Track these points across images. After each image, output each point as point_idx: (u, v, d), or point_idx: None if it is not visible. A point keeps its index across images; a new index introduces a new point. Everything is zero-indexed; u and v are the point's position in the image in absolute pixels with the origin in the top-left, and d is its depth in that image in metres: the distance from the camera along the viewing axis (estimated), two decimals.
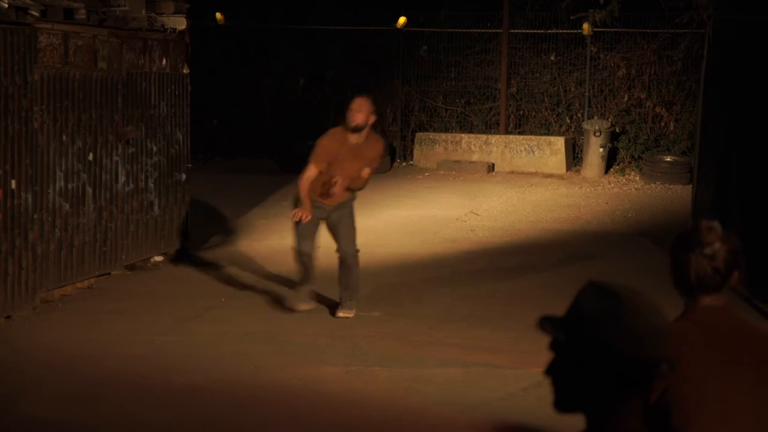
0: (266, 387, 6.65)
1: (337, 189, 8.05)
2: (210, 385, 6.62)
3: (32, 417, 5.99)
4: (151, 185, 10.05)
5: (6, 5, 7.91)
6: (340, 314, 8.29)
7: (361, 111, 8.02)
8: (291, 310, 8.37)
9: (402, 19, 18.35)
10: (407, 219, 12.79)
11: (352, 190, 8.25)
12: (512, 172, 16.70)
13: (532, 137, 17.35)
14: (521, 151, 17.07)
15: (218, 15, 18.84)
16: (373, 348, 7.45)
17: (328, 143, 8.14)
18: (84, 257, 8.98)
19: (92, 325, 7.96)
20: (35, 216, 8.25)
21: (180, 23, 10.52)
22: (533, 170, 16.78)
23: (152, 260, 10.12)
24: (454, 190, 15.04)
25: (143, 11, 10.01)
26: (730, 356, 2.94)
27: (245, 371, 6.93)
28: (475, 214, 12.86)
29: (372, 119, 8.09)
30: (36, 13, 8.25)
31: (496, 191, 14.93)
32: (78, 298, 8.80)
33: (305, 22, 18.58)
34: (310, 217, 8.11)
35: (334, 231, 8.39)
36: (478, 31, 18.30)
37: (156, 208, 10.12)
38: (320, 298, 8.83)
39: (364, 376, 6.84)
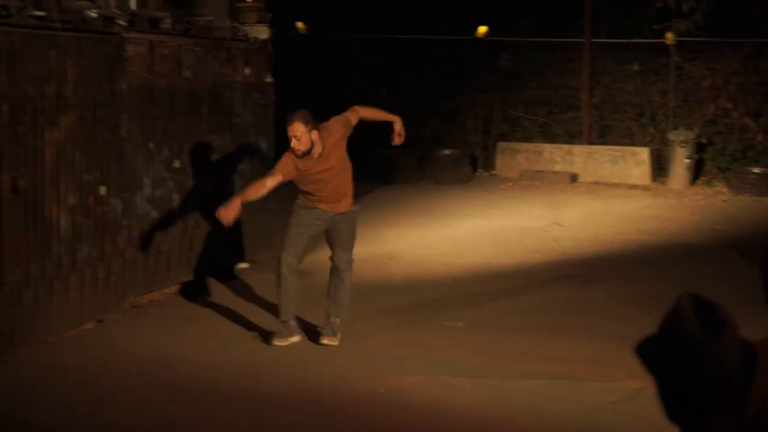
0: (349, 396, 6.63)
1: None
2: (294, 393, 6.62)
3: (117, 422, 6.04)
4: (236, 193, 10.09)
5: (95, 15, 8.02)
6: (324, 341, 7.60)
7: (299, 137, 7.35)
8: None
9: (482, 29, 18.27)
10: (489, 229, 12.70)
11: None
12: (596, 183, 16.50)
13: (616, 147, 17.12)
14: (605, 161, 16.85)
15: (300, 24, 18.95)
16: (456, 358, 7.38)
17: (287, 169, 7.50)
18: (171, 263, 9.07)
19: (178, 330, 8.04)
20: (124, 222, 8.36)
21: (263, 32, 10.60)
22: (617, 181, 16.55)
23: (237, 267, 10.17)
24: (537, 200, 14.90)
25: (227, 21, 10.11)
26: None
27: (329, 379, 6.92)
28: (559, 224, 12.71)
29: (314, 134, 7.39)
30: (123, 23, 8.36)
31: (580, 202, 14.76)
32: (165, 303, 8.90)
33: (386, 32, 18.59)
34: (227, 219, 7.37)
35: (330, 237, 7.76)
36: (560, 40, 18.12)
37: (242, 215, 10.15)
38: (397, 310, 8.81)
39: (448, 387, 6.78)
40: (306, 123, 7.37)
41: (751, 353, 2.66)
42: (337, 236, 7.71)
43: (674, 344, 2.62)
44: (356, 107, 7.84)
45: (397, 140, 7.93)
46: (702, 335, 2.59)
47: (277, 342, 7.58)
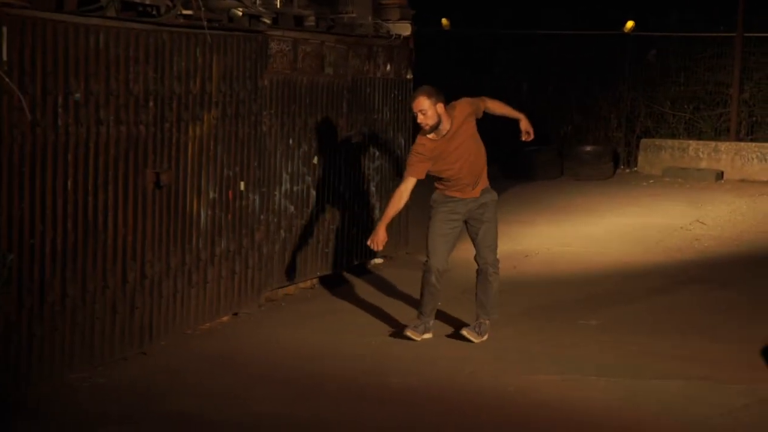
0: (480, 392, 6.65)
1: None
2: (423, 389, 6.68)
3: (260, 413, 6.20)
4: (373, 189, 10.25)
5: (240, 13, 8.23)
6: (464, 332, 7.65)
7: (424, 110, 7.32)
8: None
9: (630, 23, 18.02)
10: (629, 227, 12.53)
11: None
12: (742, 181, 16.09)
13: (765, 144, 16.67)
14: (753, 158, 16.42)
15: (444, 21, 19.03)
16: (589, 357, 7.33)
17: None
18: (307, 258, 9.24)
19: (312, 324, 8.18)
20: (261, 217, 8.55)
21: (405, 29, 10.69)
22: (765, 179, 16.11)
23: (373, 262, 10.31)
24: (680, 198, 14.62)
25: (370, 18, 10.22)
26: None
27: (461, 376, 6.96)
28: (701, 223, 12.46)
29: (440, 107, 7.32)
30: (268, 21, 8.55)
31: (725, 200, 14.43)
32: (300, 297, 9.05)
33: (529, 27, 18.49)
34: (379, 247, 7.52)
35: (473, 233, 7.68)
36: (711, 35, 17.74)
37: (377, 211, 10.30)
38: (531, 308, 8.79)
39: (580, 386, 6.74)
40: (430, 96, 7.31)
41: None
42: (480, 234, 7.66)
43: None
44: (484, 97, 7.81)
45: (526, 137, 7.88)
46: None
47: (410, 333, 7.64)
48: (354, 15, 9.98)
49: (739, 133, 17.31)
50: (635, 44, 18.19)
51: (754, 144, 16.82)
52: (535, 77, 18.64)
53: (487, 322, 7.74)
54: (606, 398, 6.52)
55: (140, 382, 6.67)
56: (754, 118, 17.56)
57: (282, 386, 6.67)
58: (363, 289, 9.44)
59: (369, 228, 10.13)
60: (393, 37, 10.53)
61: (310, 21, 9.27)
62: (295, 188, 9.01)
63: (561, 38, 18.41)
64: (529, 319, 8.40)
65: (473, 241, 7.78)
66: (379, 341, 7.72)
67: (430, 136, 7.43)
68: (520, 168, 16.61)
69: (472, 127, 7.56)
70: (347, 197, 9.83)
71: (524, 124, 7.86)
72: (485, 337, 7.69)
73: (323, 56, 9.42)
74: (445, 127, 7.41)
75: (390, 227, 10.43)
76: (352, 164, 9.88)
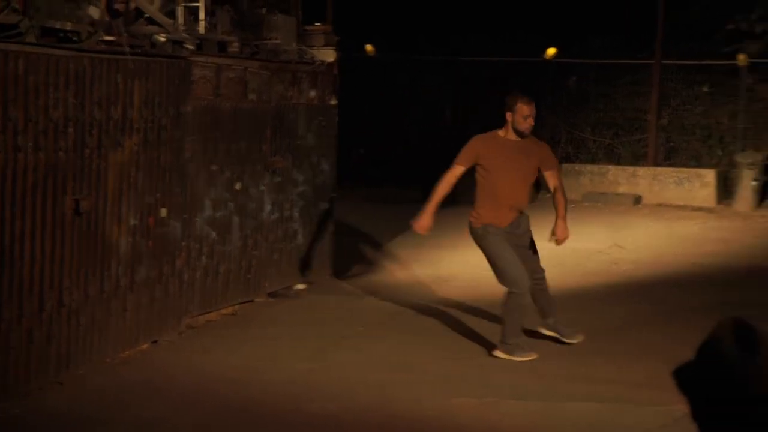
0: (400, 416, 6.71)
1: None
2: (344, 414, 6.73)
3: None
4: (296, 214, 10.28)
5: (163, 39, 8.25)
6: (568, 340, 8.21)
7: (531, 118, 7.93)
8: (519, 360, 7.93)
9: (551, 50, 18.31)
10: (549, 250, 12.56)
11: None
12: (660, 205, 16.42)
13: (682, 169, 17.04)
14: (670, 183, 16.77)
15: (368, 47, 19.17)
16: (508, 381, 7.44)
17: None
18: (229, 284, 9.24)
19: (234, 351, 8.17)
20: (183, 243, 8.54)
21: (329, 55, 10.77)
22: (682, 203, 16.45)
23: (295, 288, 10.33)
24: (599, 222, 14.87)
25: (294, 44, 10.29)
26: None
27: (381, 401, 7.01)
28: (620, 246, 12.69)
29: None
30: (191, 47, 8.57)
31: (643, 224, 14.70)
32: (222, 324, 9.02)
33: (453, 53, 18.71)
34: (424, 229, 7.91)
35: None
36: (630, 62, 18.10)
37: (300, 236, 10.34)
38: (450, 332, 8.89)
39: (497, 409, 6.84)
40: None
41: None
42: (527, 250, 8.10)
43: (710, 366, 2.67)
44: (562, 186, 8.12)
45: (556, 242, 8.13)
46: (737, 357, 2.63)
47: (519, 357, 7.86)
48: (278, 41, 10.05)
49: (656, 159, 17.66)
50: (556, 71, 18.48)
51: (671, 169, 17.17)
52: (459, 103, 18.84)
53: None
54: (522, 421, 6.63)
55: (57, 413, 6.60)
56: (671, 144, 17.93)
57: (198, 415, 6.65)
58: (286, 314, 9.45)
59: (293, 254, 10.18)
60: (317, 63, 10.60)
61: (234, 47, 9.32)
62: (217, 214, 9.01)
63: (484, 64, 18.65)
64: (449, 343, 8.49)
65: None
66: (300, 368, 7.74)
67: (509, 136, 7.90)
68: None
69: (534, 164, 7.97)
70: (270, 223, 9.85)
71: (560, 233, 8.07)
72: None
73: (247, 82, 9.46)
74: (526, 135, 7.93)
75: (313, 253, 10.51)
76: (275, 190, 9.91)
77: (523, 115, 7.85)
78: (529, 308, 8.11)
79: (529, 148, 7.95)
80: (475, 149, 8.02)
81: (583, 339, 8.22)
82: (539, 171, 8.13)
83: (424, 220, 7.99)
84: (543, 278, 8.19)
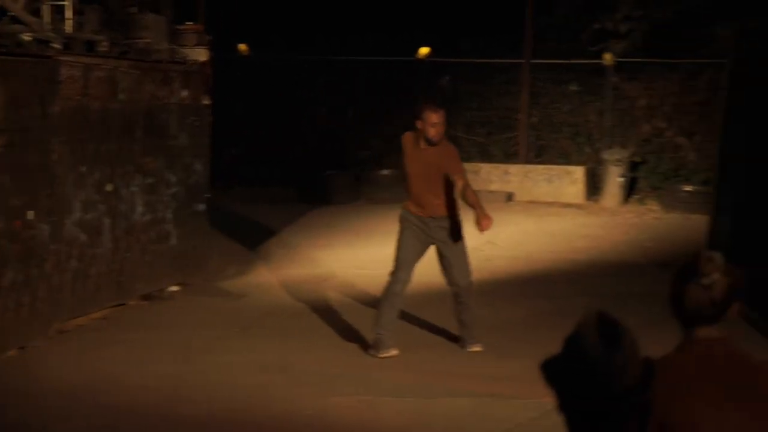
0: (277, 417, 6.70)
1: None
2: (220, 416, 6.68)
3: None
4: (169, 215, 10.15)
5: (28, 38, 8.06)
6: (475, 348, 8.23)
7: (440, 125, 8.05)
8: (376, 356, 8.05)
9: (424, 50, 18.46)
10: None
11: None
12: (531, 202, 16.72)
13: (552, 167, 17.39)
14: (540, 180, 17.09)
15: (242, 46, 19.03)
16: (383, 378, 7.50)
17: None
18: (100, 287, 9.08)
19: (105, 355, 8.03)
20: (52, 246, 8.35)
21: (202, 55, 10.67)
22: (552, 200, 16.80)
23: (169, 290, 10.21)
24: (472, 219, 15.04)
25: (165, 43, 10.16)
26: (726, 389, 2.95)
27: (257, 401, 6.99)
28: (493, 243, 12.88)
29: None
30: (58, 46, 8.40)
31: (515, 221, 14.95)
32: (92, 328, 8.85)
33: (328, 53, 18.72)
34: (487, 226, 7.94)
35: (443, 258, 8.23)
36: (500, 61, 18.38)
37: (173, 238, 10.22)
38: (329, 331, 8.90)
39: (374, 407, 6.89)
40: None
41: (650, 370, 2.76)
42: (449, 257, 8.25)
43: (575, 361, 2.72)
44: (469, 183, 8.14)
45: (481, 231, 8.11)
46: (600, 352, 2.68)
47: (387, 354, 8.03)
48: (149, 40, 9.91)
49: (527, 156, 17.99)
50: (430, 70, 18.66)
51: (541, 166, 17.50)
52: (335, 103, 18.87)
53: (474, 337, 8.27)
54: (398, 418, 6.69)
55: None
56: (541, 142, 18.28)
57: (69, 421, 6.53)
58: (158, 317, 9.33)
59: (166, 256, 10.04)
60: (189, 63, 10.50)
61: (103, 46, 9.16)
62: (87, 217, 8.84)
63: (360, 64, 18.70)
64: (326, 342, 8.51)
65: (441, 264, 8.31)
66: (174, 370, 7.65)
67: (422, 145, 8.04)
68: (318, 192, 16.75)
69: (442, 171, 8.02)
70: (143, 224, 9.71)
71: (483, 222, 8.04)
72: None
73: (117, 82, 9.31)
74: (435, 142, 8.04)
75: (186, 255, 10.40)
76: (147, 191, 9.77)
77: (431, 123, 7.98)
78: (400, 302, 8.19)
79: (438, 156, 8.05)
80: (402, 147, 8.25)
81: (480, 349, 8.27)
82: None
83: (489, 219, 7.98)
84: (460, 293, 8.20)
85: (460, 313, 8.29)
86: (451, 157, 8.12)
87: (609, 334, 2.68)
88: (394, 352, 8.06)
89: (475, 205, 7.98)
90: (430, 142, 8.02)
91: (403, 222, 8.27)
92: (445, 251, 8.19)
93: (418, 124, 8.04)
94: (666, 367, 2.84)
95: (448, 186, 8.10)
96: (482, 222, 7.92)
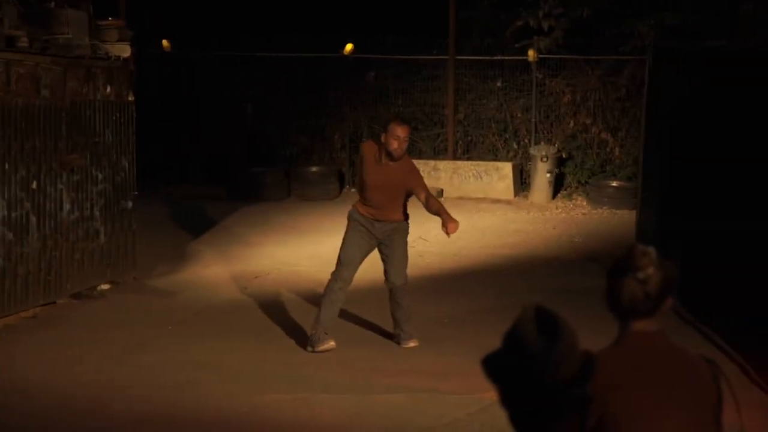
0: (212, 414, 6.61)
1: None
2: (154, 414, 6.57)
3: None
4: (97, 213, 9.99)
5: None
6: (410, 344, 8.22)
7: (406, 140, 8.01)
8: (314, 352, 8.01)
9: (349, 46, 18.41)
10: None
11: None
12: (460, 198, 16.77)
13: (480, 163, 17.46)
14: (469, 176, 17.15)
15: (165, 42, 18.80)
16: (319, 375, 7.43)
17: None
18: (28, 286, 8.89)
19: (35, 355, 7.87)
20: None
21: (124, 51, 10.50)
22: (481, 195, 16.87)
23: (99, 288, 10.03)
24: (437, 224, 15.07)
25: (86, 39, 9.98)
26: (660, 381, 2.98)
27: (191, 400, 6.88)
28: (424, 239, 12.88)
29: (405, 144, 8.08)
30: None
31: None
32: (21, 328, 8.69)
33: (251, 49, 18.58)
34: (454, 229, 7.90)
35: (384, 256, 8.21)
36: (425, 57, 18.41)
37: (102, 236, 10.05)
38: (261, 329, 8.82)
39: (310, 404, 6.82)
40: (409, 132, 8.07)
41: (589, 364, 2.76)
42: (391, 256, 8.18)
43: (514, 354, 2.70)
44: (430, 193, 8.15)
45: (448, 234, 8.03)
46: (539, 345, 2.67)
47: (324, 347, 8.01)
48: (69, 36, 9.71)
49: (455, 152, 18.04)
50: (355, 67, 18.62)
51: (470, 162, 17.56)
52: (260, 100, 18.73)
53: (410, 330, 8.26)
54: (335, 415, 6.64)
55: None
56: (469, 138, 18.35)
57: (12, 421, 6.38)
58: (89, 316, 9.17)
59: (95, 254, 9.87)
60: (112, 59, 10.32)
61: (23, 42, 8.96)
62: (13, 214, 8.66)
63: (284, 60, 18.59)
64: (259, 341, 8.42)
65: (384, 262, 8.25)
66: (105, 369, 7.52)
67: (383, 158, 7.97)
68: (247, 189, 16.62)
69: (401, 186, 7.99)
70: (70, 222, 9.53)
71: (450, 226, 7.97)
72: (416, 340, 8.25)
73: (39, 78, 9.12)
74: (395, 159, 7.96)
75: (116, 252, 10.23)
76: (74, 188, 9.59)
77: (394, 135, 7.89)
78: (341, 301, 8.14)
79: (401, 173, 7.99)
80: (362, 154, 8.18)
81: (416, 345, 8.25)
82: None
83: (455, 222, 7.91)
84: (395, 291, 8.19)
85: (394, 311, 8.26)
86: (412, 172, 8.12)
87: (548, 329, 2.68)
88: (331, 343, 8.01)
89: (441, 212, 7.99)
90: (391, 157, 7.93)
91: (351, 222, 8.18)
92: (386, 250, 8.17)
93: (382, 137, 8.00)
94: (604, 361, 2.86)
95: (405, 197, 8.10)
96: (449, 225, 7.93)
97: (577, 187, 17.21)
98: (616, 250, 3.00)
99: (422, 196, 8.04)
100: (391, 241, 8.14)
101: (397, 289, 8.19)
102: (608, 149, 17.41)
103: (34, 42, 9.13)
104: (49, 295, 9.24)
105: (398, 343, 8.26)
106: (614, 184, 16.39)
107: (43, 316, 9.08)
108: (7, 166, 8.60)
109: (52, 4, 9.77)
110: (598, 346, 2.94)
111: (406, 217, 8.22)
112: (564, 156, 17.32)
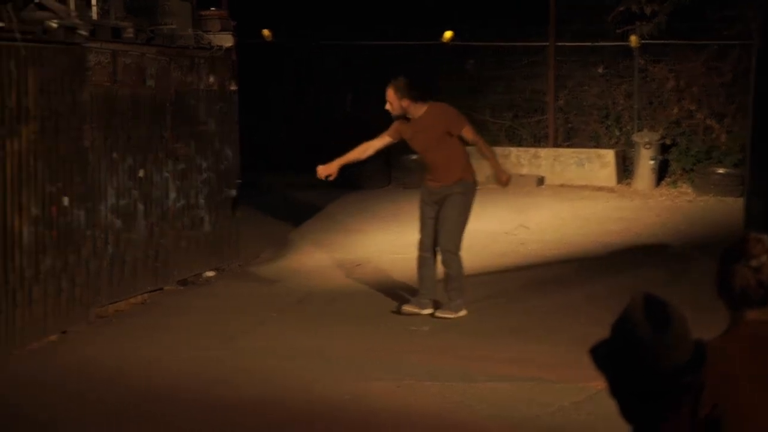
0: (316, 402, 6.64)
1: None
2: (259, 401, 6.62)
3: None
4: (202, 201, 10.13)
5: (55, 25, 8.00)
6: (438, 314, 8.48)
7: (389, 101, 8.46)
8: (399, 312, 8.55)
9: (448, 34, 18.33)
10: None
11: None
12: (562, 186, 16.58)
13: (582, 150, 17.22)
14: (571, 164, 16.94)
15: (266, 32, 18.94)
16: (423, 362, 7.41)
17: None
18: (137, 273, 9.06)
19: (144, 339, 8.02)
20: (88, 232, 8.34)
21: (227, 40, 10.60)
22: (583, 183, 16.64)
23: (204, 275, 10.18)
24: (504, 204, 14.95)
25: (190, 29, 10.10)
26: None
27: (295, 386, 6.93)
28: (525, 227, 12.78)
29: (405, 101, 8.43)
30: (85, 33, 8.34)
31: (546, 204, 14.83)
32: (131, 313, 8.88)
33: (352, 38, 18.62)
34: (321, 175, 8.57)
35: (437, 218, 8.49)
36: (525, 44, 18.23)
37: (207, 224, 10.19)
38: (365, 316, 8.83)
39: (414, 391, 6.80)
40: (396, 90, 8.49)
41: (701, 351, 2.70)
42: (440, 220, 8.46)
43: (624, 343, 2.66)
44: (478, 137, 8.75)
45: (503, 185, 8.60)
46: (650, 333, 2.63)
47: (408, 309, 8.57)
48: (174, 26, 9.85)
49: (557, 139, 17.84)
50: (454, 54, 18.53)
51: (571, 150, 17.34)
52: (359, 89, 18.76)
53: (453, 303, 8.49)
54: (440, 402, 6.60)
55: None
56: (570, 125, 18.13)
57: (107, 404, 6.52)
58: (195, 302, 9.31)
59: (200, 241, 10.03)
60: (215, 49, 10.43)
61: (129, 33, 9.10)
62: (121, 202, 8.84)
63: (384, 48, 18.60)
64: (362, 328, 8.43)
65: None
66: (211, 355, 7.61)
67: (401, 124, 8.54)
68: (347, 177, 16.64)
69: (441, 131, 8.39)
70: (176, 210, 9.68)
71: (503, 177, 8.59)
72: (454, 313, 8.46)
73: (144, 68, 9.27)
74: (414, 116, 8.46)
75: (222, 240, 10.37)
76: (179, 177, 9.74)
77: (387, 99, 8.44)
78: (433, 264, 8.56)
79: (424, 121, 8.36)
80: (397, 126, 8.60)
81: (465, 314, 8.50)
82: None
83: (329, 167, 8.70)
84: (442, 254, 8.47)
85: (444, 278, 8.52)
86: (445, 114, 8.48)
87: (657, 316, 2.64)
88: (429, 310, 8.43)
89: (491, 157, 8.56)
90: (405, 118, 8.42)
91: (420, 200, 8.63)
92: (441, 210, 8.41)
93: None
94: (715, 351, 2.80)
95: (452, 149, 8.39)
96: (501, 176, 8.42)
97: (681, 174, 16.87)
98: (722, 238, 2.93)
99: (469, 137, 8.43)
100: (444, 204, 8.39)
101: (443, 253, 8.43)
102: (714, 135, 17.03)
103: (140, 33, 9.27)
104: (157, 282, 9.41)
105: (438, 308, 8.52)
106: (720, 171, 16.02)
107: (152, 301, 9.26)
108: (114, 155, 8.77)
109: None
110: (710, 336, 2.87)
111: (463, 179, 8.39)
112: (668, 143, 16.99)
